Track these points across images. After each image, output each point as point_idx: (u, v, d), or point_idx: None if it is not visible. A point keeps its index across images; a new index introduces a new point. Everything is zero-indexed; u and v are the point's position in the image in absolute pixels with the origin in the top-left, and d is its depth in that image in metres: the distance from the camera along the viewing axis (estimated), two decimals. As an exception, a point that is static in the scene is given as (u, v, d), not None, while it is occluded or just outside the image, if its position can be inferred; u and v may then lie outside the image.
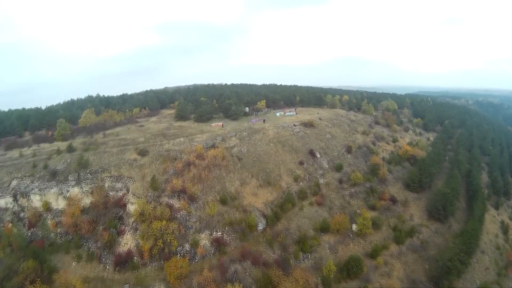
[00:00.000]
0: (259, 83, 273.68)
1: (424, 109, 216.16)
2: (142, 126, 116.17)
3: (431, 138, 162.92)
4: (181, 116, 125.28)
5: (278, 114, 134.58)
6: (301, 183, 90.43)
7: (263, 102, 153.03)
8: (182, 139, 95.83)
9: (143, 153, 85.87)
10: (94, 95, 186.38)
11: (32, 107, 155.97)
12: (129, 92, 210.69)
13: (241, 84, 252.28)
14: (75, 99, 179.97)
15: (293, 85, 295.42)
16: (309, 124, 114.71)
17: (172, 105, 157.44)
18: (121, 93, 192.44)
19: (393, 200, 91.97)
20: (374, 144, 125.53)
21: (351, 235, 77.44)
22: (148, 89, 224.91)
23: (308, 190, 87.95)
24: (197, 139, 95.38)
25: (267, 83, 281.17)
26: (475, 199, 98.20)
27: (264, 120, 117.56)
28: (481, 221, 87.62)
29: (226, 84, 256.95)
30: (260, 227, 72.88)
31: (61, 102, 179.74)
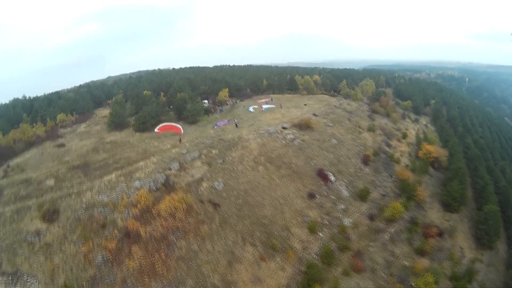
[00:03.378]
0: (209, 65, 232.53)
1: (407, 88, 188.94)
2: (63, 145, 74.91)
3: (429, 125, 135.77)
4: (116, 124, 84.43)
5: (251, 109, 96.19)
6: (320, 233, 55.06)
7: (226, 92, 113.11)
8: (114, 175, 56.38)
9: (50, 216, 47.07)
10: (31, 95, 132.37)
11: None
12: (69, 86, 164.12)
13: (191, 68, 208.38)
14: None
15: (247, 64, 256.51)
16: (304, 125, 79.29)
17: (110, 102, 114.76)
18: (51, 91, 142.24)
19: (440, 233, 61.58)
20: (388, 145, 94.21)
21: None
22: (83, 83, 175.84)
23: (333, 244, 53.26)
24: (138, 174, 56.22)
25: (218, 65, 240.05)
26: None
27: (236, 124, 79.95)
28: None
29: (173, 68, 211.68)
30: None
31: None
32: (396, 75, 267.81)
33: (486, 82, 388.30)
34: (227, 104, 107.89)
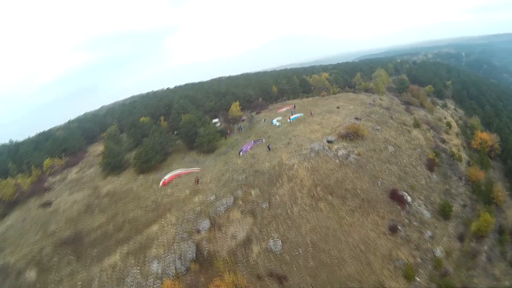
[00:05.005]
0: (205, 79, 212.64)
1: (420, 73, 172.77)
2: (49, 204, 57.37)
3: (458, 109, 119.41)
4: (112, 166, 66.02)
5: (276, 122, 77.37)
6: (418, 278, 38.26)
7: (237, 105, 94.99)
8: (118, 255, 37.23)
9: None
10: (21, 139, 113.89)
11: None
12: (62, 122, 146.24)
13: (187, 85, 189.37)
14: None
15: (244, 73, 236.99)
16: (353, 134, 61.06)
17: (104, 134, 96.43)
18: (38, 132, 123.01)
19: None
20: (442, 141, 77.48)
21: None
22: (75, 117, 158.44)
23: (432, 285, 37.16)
24: (155, 250, 36.69)
25: (216, 77, 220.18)
26: None
27: (268, 145, 60.94)
28: None
29: (168, 88, 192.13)
30: None
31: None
32: (399, 60, 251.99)
33: (482, 54, 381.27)
34: (243, 120, 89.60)
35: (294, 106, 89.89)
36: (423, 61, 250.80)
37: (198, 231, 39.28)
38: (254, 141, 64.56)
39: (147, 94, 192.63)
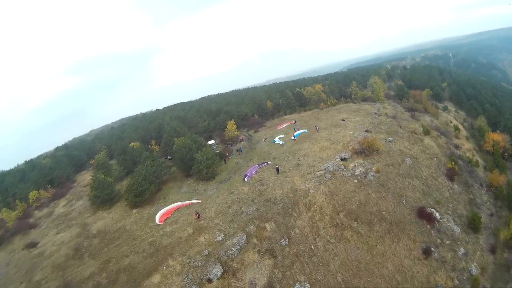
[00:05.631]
0: (193, 98, 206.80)
1: (415, 77, 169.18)
2: (34, 245, 51.35)
3: (459, 111, 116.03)
4: (102, 199, 59.19)
5: (278, 140, 71.74)
6: None
7: (233, 124, 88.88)
8: None
9: None
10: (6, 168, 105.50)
11: None
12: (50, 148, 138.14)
13: (176, 105, 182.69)
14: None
15: (233, 90, 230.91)
16: (367, 149, 55.80)
17: (93, 161, 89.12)
18: (26, 159, 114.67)
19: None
20: (456, 147, 72.85)
21: None
22: (62, 144, 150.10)
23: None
24: None
25: (205, 95, 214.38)
26: None
27: (277, 168, 54.23)
28: None
29: (157, 109, 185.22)
30: None
31: None
32: (389, 67, 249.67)
33: (469, 53, 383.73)
34: (241, 140, 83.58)
35: (295, 122, 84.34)
36: (413, 65, 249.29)
37: (209, 280, 32.97)
38: (258, 164, 58.50)
39: (136, 116, 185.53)
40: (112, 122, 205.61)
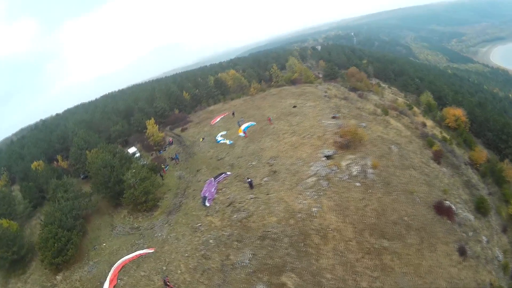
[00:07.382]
0: (94, 98, 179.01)
1: (332, 57, 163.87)
2: None
3: (392, 87, 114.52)
4: (10, 262, 37.93)
5: (222, 139, 57.13)
6: None
7: (152, 123, 70.33)
8: None
9: None
10: None
11: None
12: None
13: (77, 107, 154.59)
14: None
15: (133, 84, 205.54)
16: (351, 141, 44.29)
17: None
18: None
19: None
20: (424, 126, 66.92)
21: None
22: None
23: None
24: None
25: (107, 93, 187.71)
26: None
27: (250, 182, 38.10)
28: None
29: (58, 114, 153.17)
30: None
31: None
32: (298, 48, 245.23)
33: (370, 32, 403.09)
34: (171, 142, 66.97)
35: (234, 113, 70.79)
36: (323, 45, 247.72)
37: None
38: (214, 178, 43.66)
39: (36, 125, 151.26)
40: (12, 134, 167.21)
